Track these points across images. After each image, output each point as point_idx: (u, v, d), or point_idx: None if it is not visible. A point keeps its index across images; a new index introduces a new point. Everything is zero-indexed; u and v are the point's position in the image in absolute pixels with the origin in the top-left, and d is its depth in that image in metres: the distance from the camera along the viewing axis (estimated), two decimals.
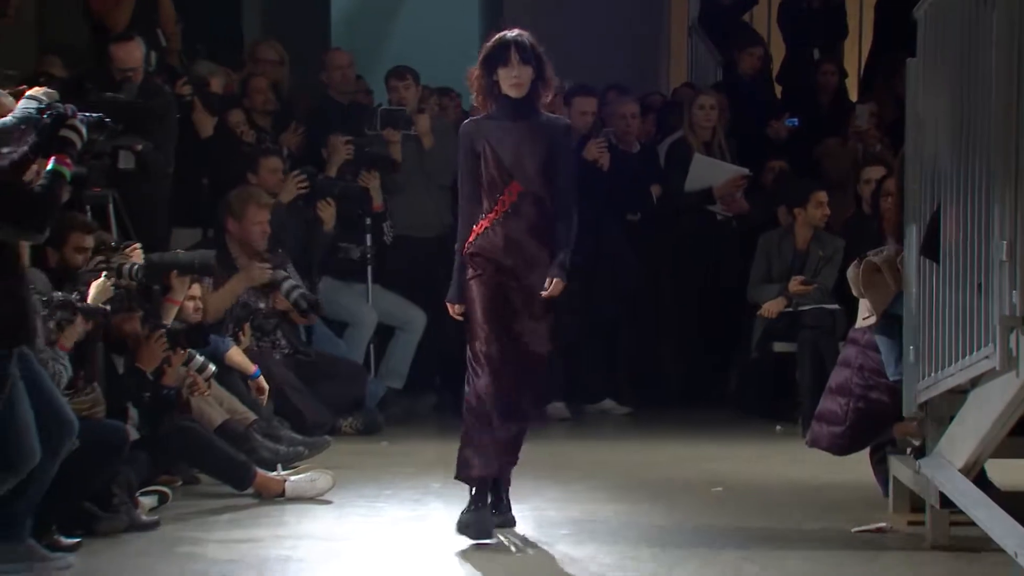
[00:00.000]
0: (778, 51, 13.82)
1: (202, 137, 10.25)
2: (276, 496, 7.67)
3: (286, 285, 9.61)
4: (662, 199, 11.58)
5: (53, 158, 5.81)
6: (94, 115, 6.19)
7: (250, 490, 7.68)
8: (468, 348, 6.75)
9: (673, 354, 11.74)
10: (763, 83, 13.10)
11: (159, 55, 10.11)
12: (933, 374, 6.70)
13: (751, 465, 9.07)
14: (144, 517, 6.94)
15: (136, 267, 7.30)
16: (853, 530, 6.99)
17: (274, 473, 7.84)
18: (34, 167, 5.84)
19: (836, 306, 10.38)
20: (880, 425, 7.47)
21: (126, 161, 8.81)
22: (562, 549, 6.61)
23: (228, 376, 8.59)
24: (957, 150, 6.40)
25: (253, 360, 8.94)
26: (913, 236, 7.02)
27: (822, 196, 10.80)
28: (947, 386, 6.57)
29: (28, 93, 5.93)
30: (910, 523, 7.03)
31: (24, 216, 5.76)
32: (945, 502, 6.44)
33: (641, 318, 11.52)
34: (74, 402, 6.66)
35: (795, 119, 12.46)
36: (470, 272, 6.73)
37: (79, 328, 6.80)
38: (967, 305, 6.22)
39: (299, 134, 11.16)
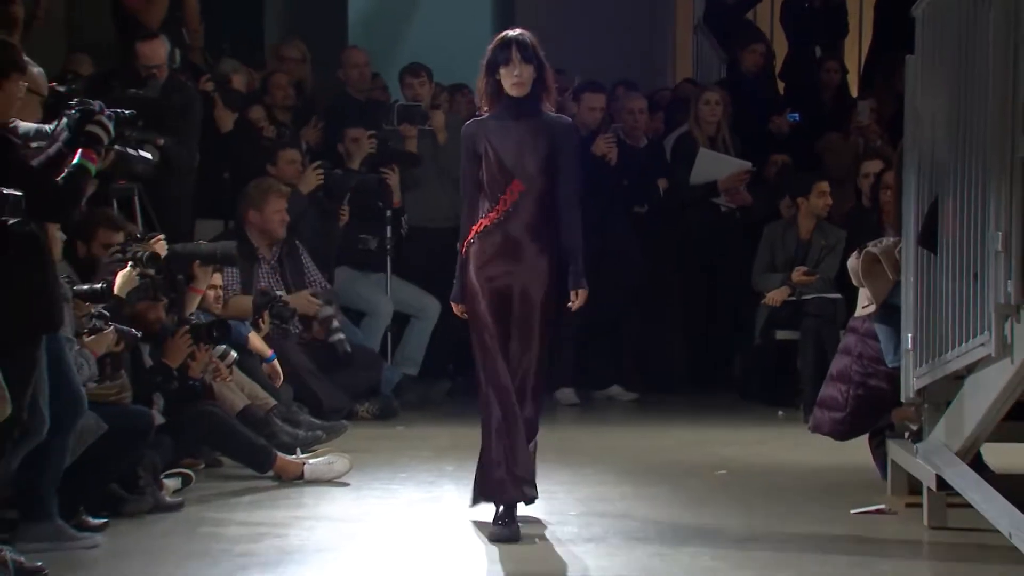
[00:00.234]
0: (780, 49, 13.77)
1: (222, 132, 10.28)
2: (295, 479, 7.72)
3: (331, 326, 9.81)
4: (668, 192, 11.61)
5: (79, 152, 5.83)
6: (127, 112, 6.27)
7: (270, 473, 7.74)
8: (472, 346, 6.65)
9: (679, 342, 11.77)
10: (766, 80, 13.05)
11: (183, 53, 10.15)
12: (931, 361, 6.75)
13: (754, 449, 9.10)
14: (168, 499, 7.01)
15: (147, 255, 7.21)
16: (852, 512, 7.04)
17: (293, 456, 7.88)
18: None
19: (838, 295, 10.38)
20: (879, 411, 7.52)
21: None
22: (571, 530, 6.66)
23: (249, 361, 8.66)
24: (954, 145, 6.46)
25: (272, 347, 9.03)
26: (911, 227, 7.05)
27: (824, 186, 10.80)
28: (944, 372, 6.62)
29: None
30: (908, 505, 7.08)
31: (45, 208, 5.77)
32: (942, 485, 6.47)
33: (647, 307, 11.53)
34: (101, 388, 6.71)
35: (796, 114, 12.45)
36: (471, 271, 6.62)
37: (110, 338, 6.79)
38: (964, 294, 6.28)
39: (319, 129, 11.20)
